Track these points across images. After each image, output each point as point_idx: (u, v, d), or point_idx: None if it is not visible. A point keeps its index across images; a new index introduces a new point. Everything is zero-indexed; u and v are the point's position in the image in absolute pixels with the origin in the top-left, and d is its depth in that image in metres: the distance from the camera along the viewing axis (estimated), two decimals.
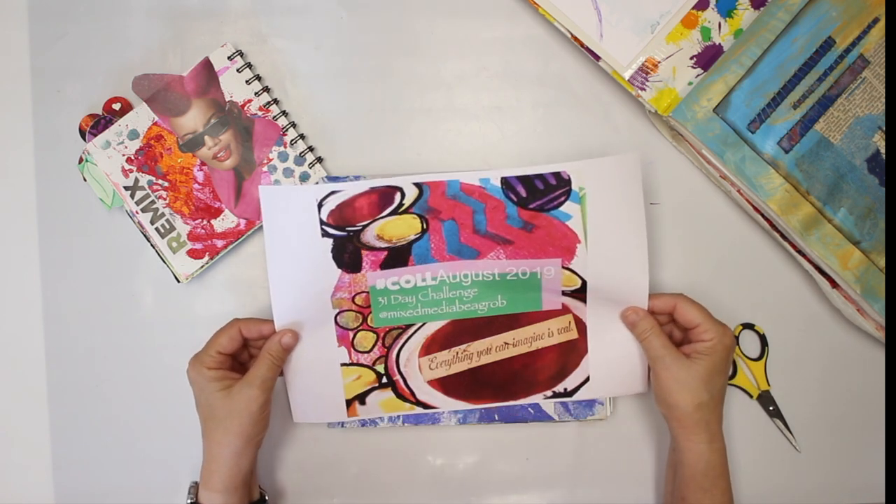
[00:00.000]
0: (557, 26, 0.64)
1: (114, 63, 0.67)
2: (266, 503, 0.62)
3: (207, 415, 0.59)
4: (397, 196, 0.61)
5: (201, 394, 0.59)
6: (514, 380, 0.64)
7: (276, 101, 0.66)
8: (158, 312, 0.67)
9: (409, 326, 0.63)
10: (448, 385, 0.64)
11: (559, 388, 0.64)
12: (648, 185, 0.66)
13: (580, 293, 0.62)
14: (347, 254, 0.61)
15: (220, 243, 0.65)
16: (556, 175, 0.61)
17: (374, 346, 0.63)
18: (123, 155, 0.65)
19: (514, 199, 0.61)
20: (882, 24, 0.62)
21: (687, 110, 0.62)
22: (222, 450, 0.58)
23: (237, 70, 0.65)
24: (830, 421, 0.66)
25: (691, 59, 0.63)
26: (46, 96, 0.67)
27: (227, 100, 0.65)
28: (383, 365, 0.63)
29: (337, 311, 0.62)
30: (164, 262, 0.65)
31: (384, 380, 0.64)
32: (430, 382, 0.64)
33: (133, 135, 0.65)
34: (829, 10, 0.62)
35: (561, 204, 0.61)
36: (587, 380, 0.64)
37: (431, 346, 0.63)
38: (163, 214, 0.65)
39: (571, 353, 0.63)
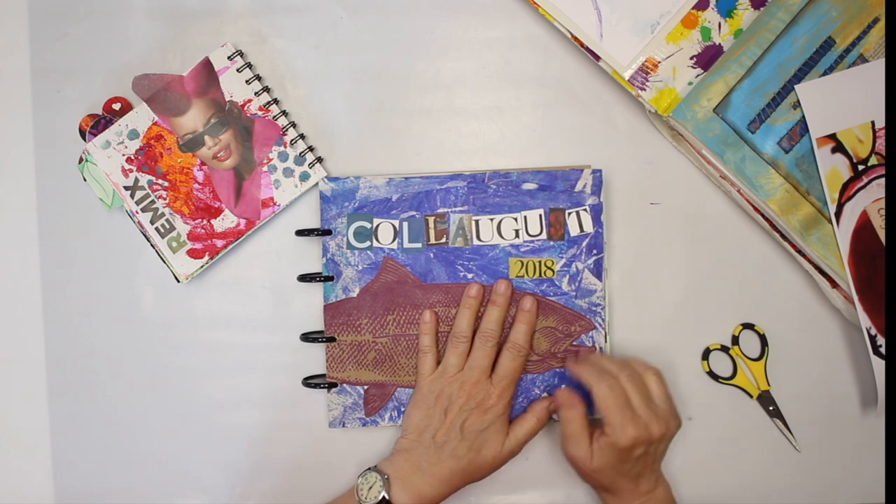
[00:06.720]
0: (557, 26, 0.64)
1: (114, 63, 0.67)
2: None
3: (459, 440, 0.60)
4: None
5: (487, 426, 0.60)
6: None
7: (276, 101, 0.66)
8: (158, 312, 0.67)
9: None
10: None
11: None
12: (648, 185, 0.66)
13: None
14: None
15: (220, 243, 0.65)
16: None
17: None
18: (123, 155, 0.65)
19: None
20: (882, 24, 0.62)
21: (687, 110, 0.62)
22: (443, 485, 0.59)
23: (237, 70, 0.65)
24: (830, 421, 0.66)
25: (691, 59, 0.63)
26: (46, 96, 0.67)
27: (227, 100, 0.65)
28: None
29: None
30: (164, 261, 0.65)
31: None
32: None
33: (133, 135, 0.65)
34: (829, 10, 0.62)
35: None
36: None
37: None
38: (163, 214, 0.65)
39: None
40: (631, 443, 0.57)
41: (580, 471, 0.61)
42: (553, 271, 0.64)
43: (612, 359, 0.62)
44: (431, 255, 0.65)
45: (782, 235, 0.64)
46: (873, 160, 0.62)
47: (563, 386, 0.62)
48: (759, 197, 0.62)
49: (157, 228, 0.65)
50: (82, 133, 0.65)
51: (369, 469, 0.60)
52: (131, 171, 0.65)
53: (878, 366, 0.62)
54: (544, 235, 0.64)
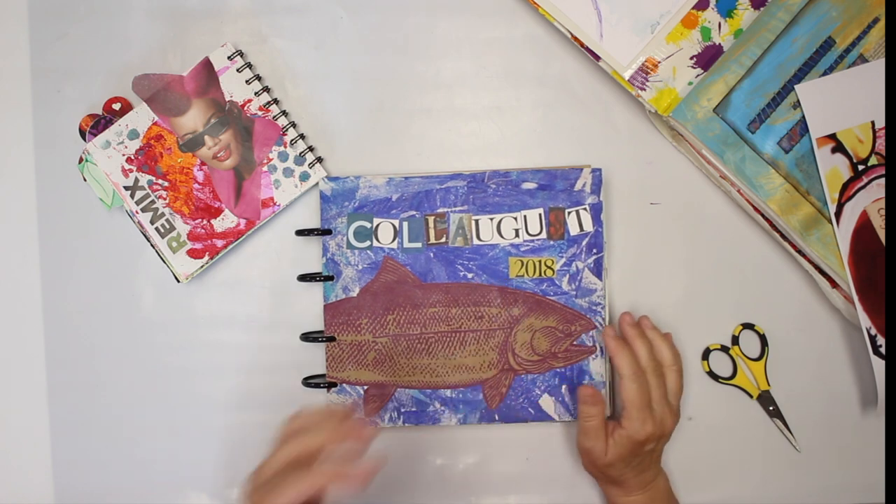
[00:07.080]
0: (557, 26, 0.64)
1: (114, 63, 0.67)
2: None
3: None
4: None
5: None
6: None
7: (276, 101, 0.66)
8: (158, 312, 0.67)
9: None
10: None
11: None
12: (648, 185, 0.66)
13: None
14: None
15: (219, 243, 0.65)
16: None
17: None
18: (123, 155, 0.65)
19: None
20: (882, 24, 0.62)
21: (687, 110, 0.62)
22: None
23: (237, 70, 0.65)
24: (830, 421, 0.66)
25: (691, 59, 0.63)
26: (46, 96, 0.67)
27: (227, 100, 0.65)
28: None
29: None
30: (163, 261, 0.65)
31: None
32: None
33: (133, 135, 0.65)
34: (829, 10, 0.62)
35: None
36: None
37: None
38: (163, 214, 0.65)
39: None
40: (646, 438, 0.59)
41: (592, 464, 0.61)
42: (553, 270, 0.64)
43: (644, 338, 0.61)
44: (431, 254, 0.65)
45: (782, 235, 0.64)
46: (873, 160, 0.62)
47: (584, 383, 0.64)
48: (759, 197, 0.62)
49: (157, 228, 0.65)
50: (82, 133, 0.65)
51: None
52: (131, 171, 0.65)
53: (878, 366, 0.62)
54: (544, 235, 0.65)
